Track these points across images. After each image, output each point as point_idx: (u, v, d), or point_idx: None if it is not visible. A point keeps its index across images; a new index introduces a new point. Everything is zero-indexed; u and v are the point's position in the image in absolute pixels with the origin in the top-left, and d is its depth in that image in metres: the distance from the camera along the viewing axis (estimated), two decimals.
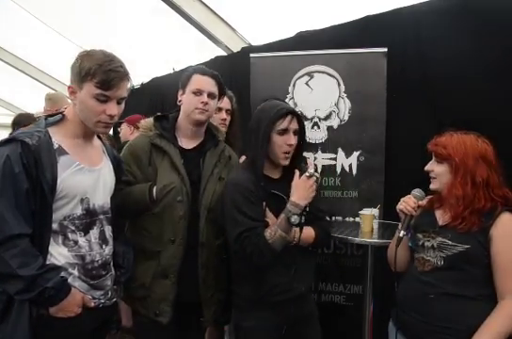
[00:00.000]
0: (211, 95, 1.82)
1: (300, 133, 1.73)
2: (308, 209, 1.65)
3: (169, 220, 1.72)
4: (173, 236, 1.72)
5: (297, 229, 1.64)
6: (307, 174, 1.63)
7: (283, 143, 1.67)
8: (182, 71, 1.94)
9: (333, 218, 2.53)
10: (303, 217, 1.63)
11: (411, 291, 1.59)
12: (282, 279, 1.69)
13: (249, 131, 1.74)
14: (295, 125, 1.68)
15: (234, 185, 1.69)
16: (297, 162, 1.77)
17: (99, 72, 1.39)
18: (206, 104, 1.79)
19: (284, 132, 1.67)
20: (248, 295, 1.74)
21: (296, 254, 1.70)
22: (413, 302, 1.57)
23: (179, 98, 1.85)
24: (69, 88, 1.46)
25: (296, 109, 2.20)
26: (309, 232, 1.72)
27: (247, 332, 1.76)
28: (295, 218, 1.59)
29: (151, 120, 1.87)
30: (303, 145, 1.76)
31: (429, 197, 1.68)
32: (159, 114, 1.92)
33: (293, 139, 1.67)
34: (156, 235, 1.74)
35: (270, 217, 1.67)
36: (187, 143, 1.86)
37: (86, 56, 1.43)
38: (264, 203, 1.66)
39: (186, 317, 1.84)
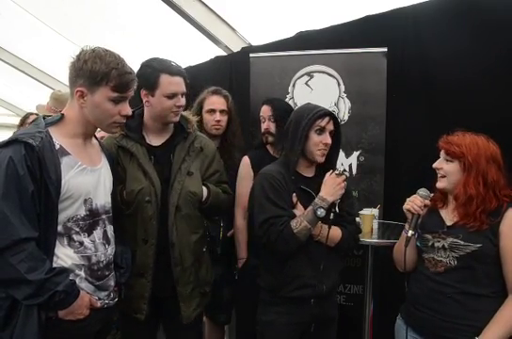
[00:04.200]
0: (183, 94, 1.78)
1: (336, 136, 1.80)
2: (337, 210, 1.72)
3: (141, 221, 1.74)
4: (146, 237, 1.74)
5: (326, 227, 1.70)
6: (336, 172, 1.74)
7: (319, 142, 1.74)
8: (144, 65, 1.79)
9: None
10: (332, 215, 1.70)
11: (425, 290, 1.58)
12: (307, 272, 1.72)
13: (286, 130, 1.82)
14: (331, 126, 1.77)
15: (264, 174, 1.78)
16: (332, 163, 1.84)
17: (115, 75, 1.40)
18: (181, 105, 1.77)
19: (321, 131, 1.75)
20: (269, 286, 1.77)
21: (325, 252, 1.73)
22: (428, 301, 1.56)
23: (144, 98, 1.76)
24: (77, 91, 1.41)
25: None
26: (336, 232, 1.76)
27: (264, 327, 1.79)
28: (321, 211, 1.67)
29: None
30: (338, 147, 1.85)
31: (431, 195, 1.67)
32: None
33: (329, 139, 1.75)
34: (131, 235, 1.75)
35: (300, 208, 1.73)
36: (156, 140, 1.82)
37: (95, 59, 1.39)
38: (295, 194, 1.73)
39: (166, 312, 1.85)
